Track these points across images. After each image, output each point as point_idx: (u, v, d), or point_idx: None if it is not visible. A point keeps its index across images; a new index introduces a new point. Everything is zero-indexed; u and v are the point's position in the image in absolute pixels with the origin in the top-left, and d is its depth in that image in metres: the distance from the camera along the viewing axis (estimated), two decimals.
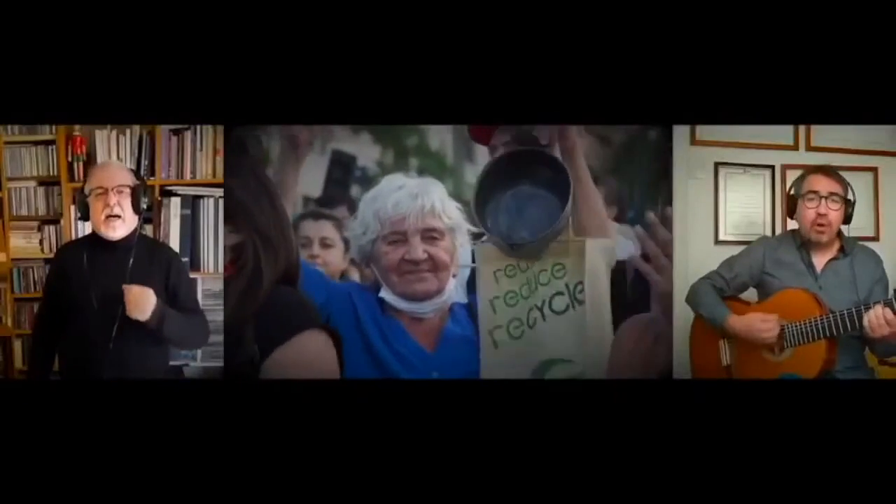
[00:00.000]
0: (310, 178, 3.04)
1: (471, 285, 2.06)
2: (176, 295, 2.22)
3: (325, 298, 1.93)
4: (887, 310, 2.08)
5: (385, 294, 1.97)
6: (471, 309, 2.02)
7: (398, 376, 1.93)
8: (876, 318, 2.09)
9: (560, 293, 1.90)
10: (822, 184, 2.30)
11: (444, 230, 1.97)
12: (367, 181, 3.18)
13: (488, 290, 1.95)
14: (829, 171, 2.35)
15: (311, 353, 1.63)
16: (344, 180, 3.04)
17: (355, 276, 2.63)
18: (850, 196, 2.32)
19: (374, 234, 1.97)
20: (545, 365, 1.90)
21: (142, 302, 2.10)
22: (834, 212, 2.28)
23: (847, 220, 2.33)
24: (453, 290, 2.02)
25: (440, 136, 3.46)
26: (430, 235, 1.96)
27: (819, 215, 2.28)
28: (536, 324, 1.91)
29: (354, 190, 3.13)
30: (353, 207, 2.99)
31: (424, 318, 1.99)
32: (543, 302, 1.91)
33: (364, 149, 3.29)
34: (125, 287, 2.11)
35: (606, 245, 1.92)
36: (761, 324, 2.26)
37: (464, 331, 2.00)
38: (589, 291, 1.87)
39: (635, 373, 1.78)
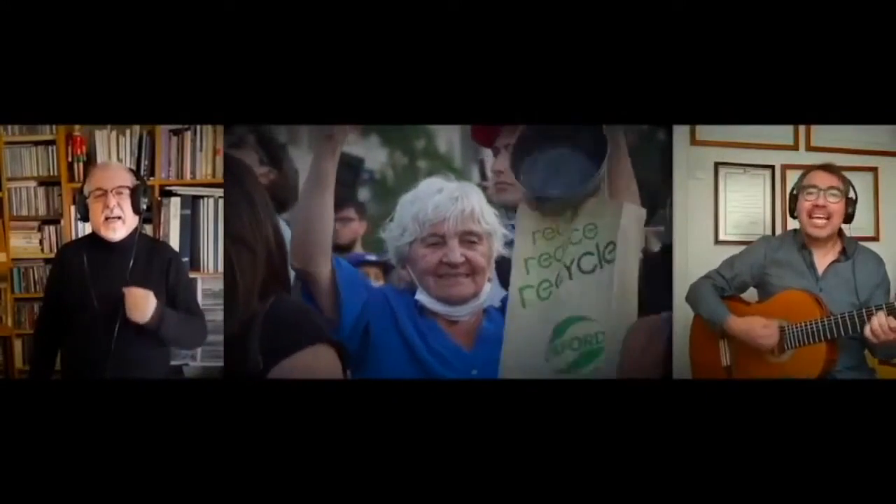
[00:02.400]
0: None
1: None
2: (175, 295, 2.22)
3: (365, 300, 1.94)
4: (891, 318, 2.08)
5: (421, 296, 1.98)
6: (504, 309, 2.02)
7: (438, 375, 1.94)
8: (879, 326, 2.08)
9: (590, 253, 1.92)
10: (822, 179, 2.29)
11: (483, 234, 1.98)
12: (375, 183, 3.18)
13: (524, 250, 1.97)
14: (831, 168, 2.34)
15: (318, 368, 1.64)
16: (352, 182, 3.05)
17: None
18: (851, 194, 2.30)
19: (411, 236, 1.97)
20: (565, 323, 1.91)
21: (142, 304, 2.09)
22: (833, 204, 2.26)
23: (849, 218, 2.31)
24: (489, 294, 2.02)
25: (448, 139, 3.46)
26: (468, 239, 1.96)
27: (816, 206, 2.27)
28: (562, 283, 1.93)
29: (362, 193, 3.14)
30: (360, 209, 3.00)
31: (460, 320, 2.00)
32: (572, 261, 1.93)
33: (372, 151, 3.30)
34: (125, 289, 2.10)
35: (639, 213, 1.93)
36: (762, 329, 2.25)
37: (499, 329, 2.00)
38: (620, 252, 1.88)
39: (646, 375, 1.79)
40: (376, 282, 2.63)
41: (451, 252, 1.94)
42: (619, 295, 1.87)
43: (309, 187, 1.90)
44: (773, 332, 2.24)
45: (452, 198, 1.96)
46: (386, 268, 2.66)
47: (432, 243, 1.96)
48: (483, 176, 2.37)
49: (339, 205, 3.03)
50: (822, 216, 2.27)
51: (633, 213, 1.91)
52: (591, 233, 1.92)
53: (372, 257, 2.82)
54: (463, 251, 1.96)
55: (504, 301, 2.03)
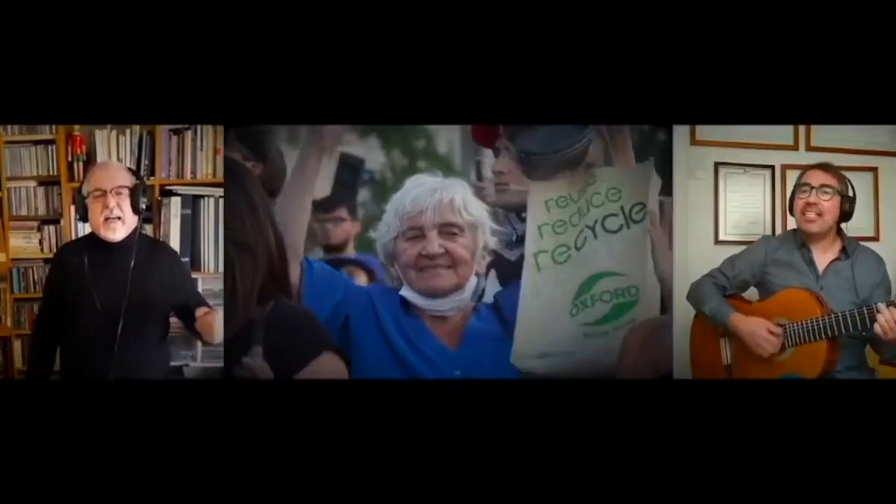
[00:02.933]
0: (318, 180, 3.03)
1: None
2: (178, 294, 2.21)
3: (341, 297, 1.94)
4: (894, 310, 2.08)
5: (405, 291, 1.98)
6: (496, 307, 2.02)
7: (420, 375, 1.93)
8: (886, 321, 2.08)
9: (614, 214, 1.93)
10: (815, 177, 2.32)
11: (464, 226, 1.97)
12: (374, 184, 3.17)
13: (538, 217, 1.99)
14: (827, 167, 2.37)
15: (326, 377, 1.67)
16: (351, 183, 3.05)
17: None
18: (849, 192, 2.32)
19: (394, 231, 1.98)
20: (593, 278, 1.91)
21: (222, 326, 2.01)
22: (825, 202, 2.28)
23: (846, 217, 2.32)
24: (475, 289, 2.01)
25: (448, 140, 3.46)
26: (448, 231, 1.96)
27: (808, 204, 2.29)
28: (586, 242, 1.94)
29: (362, 194, 3.14)
30: (352, 209, 3.00)
31: (446, 317, 1.99)
32: (595, 221, 1.94)
33: (372, 152, 3.30)
34: (205, 312, 2.07)
35: (657, 182, 1.94)
36: (767, 333, 2.25)
37: (487, 327, 1.99)
38: (653, 213, 1.90)
39: (645, 377, 1.79)
40: (357, 280, 2.63)
41: (430, 244, 1.94)
42: (656, 253, 1.88)
43: (289, 186, 1.92)
44: (778, 340, 2.24)
45: (431, 190, 1.97)
46: (365, 268, 2.65)
47: (411, 237, 1.96)
48: (479, 177, 2.36)
49: (332, 205, 3.05)
50: (812, 213, 2.29)
51: (655, 181, 1.93)
52: (614, 196, 1.93)
53: (352, 256, 2.80)
54: (442, 242, 1.95)
55: (497, 298, 2.04)
